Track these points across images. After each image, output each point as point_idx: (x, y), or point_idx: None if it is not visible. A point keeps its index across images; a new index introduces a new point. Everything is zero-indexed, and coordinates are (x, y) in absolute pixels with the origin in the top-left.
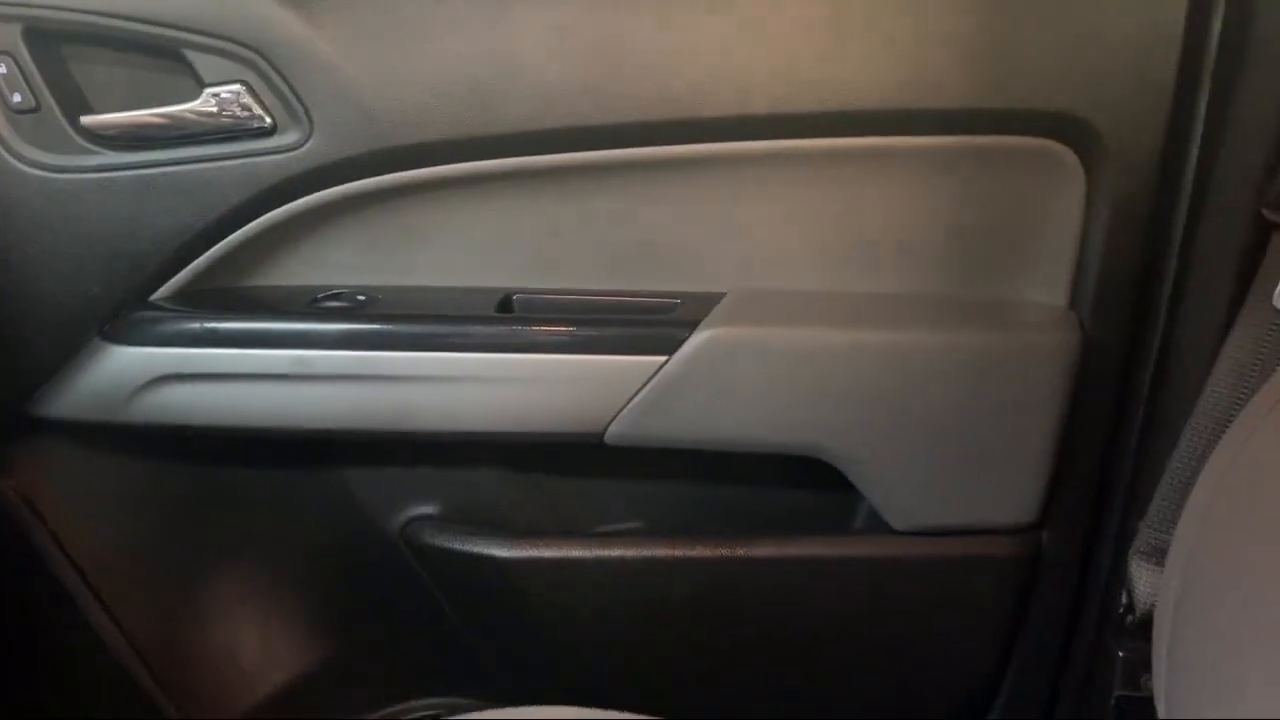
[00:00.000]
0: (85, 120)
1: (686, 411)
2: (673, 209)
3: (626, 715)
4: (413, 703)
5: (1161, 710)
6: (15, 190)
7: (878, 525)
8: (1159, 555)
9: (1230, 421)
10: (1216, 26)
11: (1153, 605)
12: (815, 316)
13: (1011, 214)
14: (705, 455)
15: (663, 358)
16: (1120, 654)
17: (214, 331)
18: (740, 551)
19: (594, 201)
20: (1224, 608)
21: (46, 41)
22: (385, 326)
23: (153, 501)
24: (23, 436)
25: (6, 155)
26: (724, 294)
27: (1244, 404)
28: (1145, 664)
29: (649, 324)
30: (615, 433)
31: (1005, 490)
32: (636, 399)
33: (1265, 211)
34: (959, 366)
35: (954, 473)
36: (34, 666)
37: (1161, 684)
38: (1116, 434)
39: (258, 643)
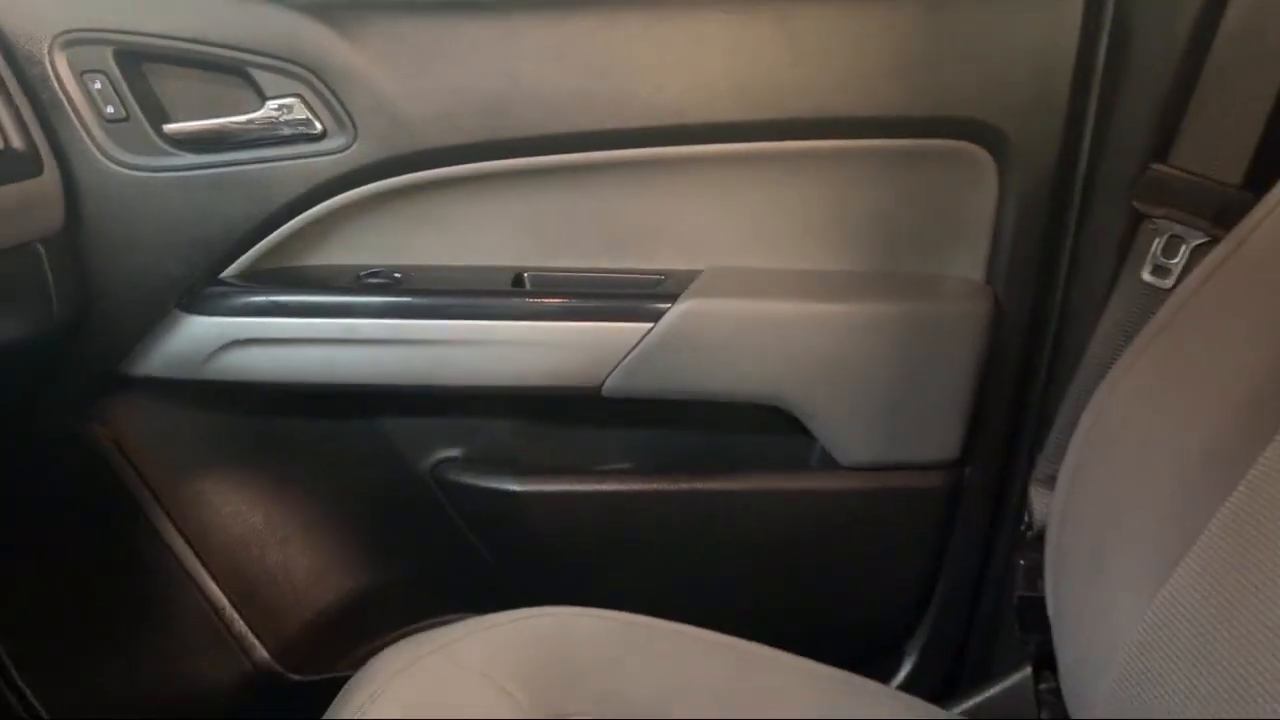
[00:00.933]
0: (167, 128)
1: (669, 369)
2: (656, 200)
3: (614, 613)
4: (439, 618)
5: (1050, 604)
6: (109, 187)
7: (828, 463)
8: (1051, 481)
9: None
10: (1102, 50)
11: (1045, 521)
12: (776, 290)
13: (936, 204)
14: (686, 405)
15: (649, 324)
16: (1021, 562)
17: (274, 303)
18: (714, 486)
19: (590, 194)
20: (1093, 514)
21: (133, 61)
22: (417, 299)
23: (222, 446)
24: (115, 392)
25: (101, 157)
26: (700, 271)
27: (1119, 356)
28: (1040, 570)
29: (637, 296)
30: (610, 387)
31: (933, 432)
32: (628, 359)
33: (1136, 203)
34: (894, 330)
35: (890, 418)
36: (123, 584)
37: (1049, 582)
38: (1024, 385)
39: (309, 566)
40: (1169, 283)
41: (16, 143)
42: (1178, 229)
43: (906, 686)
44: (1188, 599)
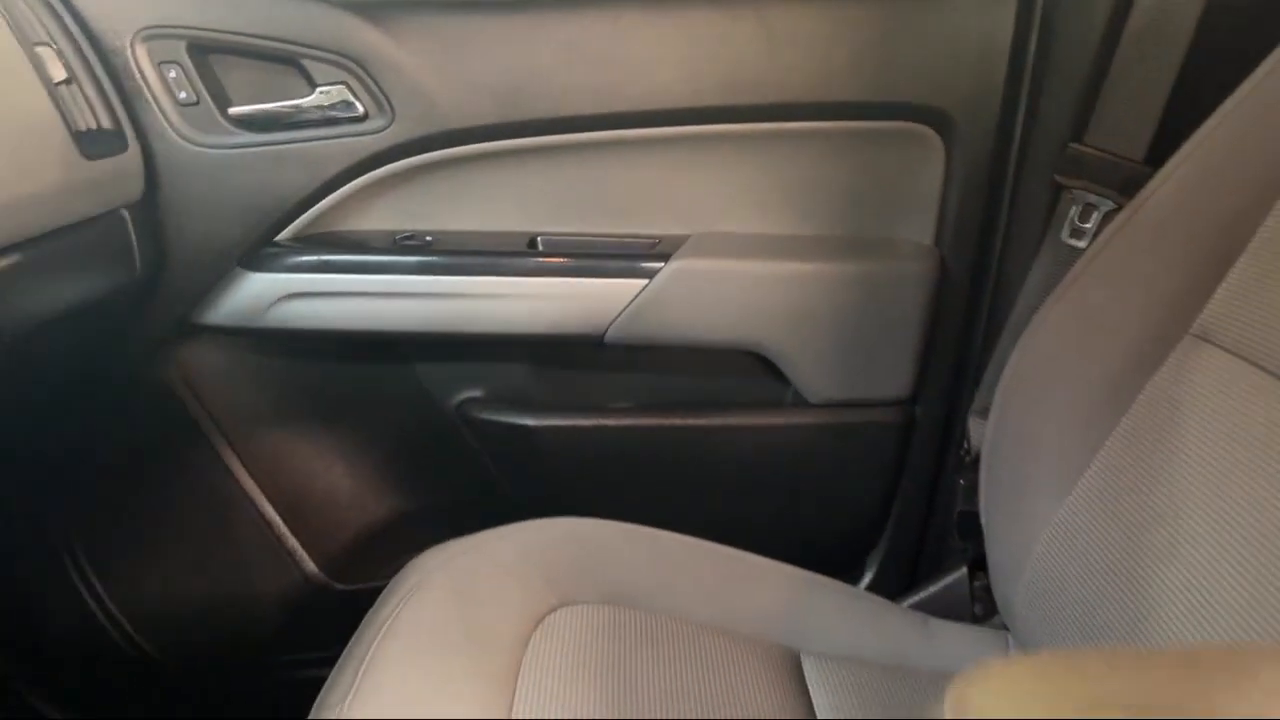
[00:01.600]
0: (231, 110)
1: (662, 320)
2: (651, 174)
3: (618, 522)
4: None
5: (982, 516)
6: (181, 161)
7: (799, 400)
8: (986, 412)
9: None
10: (1032, 46)
11: (979, 447)
12: (754, 251)
13: (892, 177)
14: (677, 351)
15: (645, 281)
16: (961, 482)
17: (323, 262)
18: (701, 421)
19: (594, 169)
20: (1015, 439)
21: (203, 53)
22: (445, 258)
23: (277, 386)
24: (184, 339)
25: (175, 136)
26: (689, 235)
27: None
28: (976, 488)
29: (635, 257)
30: (611, 335)
31: (888, 373)
32: (626, 311)
33: (1058, 176)
34: (855, 285)
35: (852, 361)
36: (190, 505)
37: (981, 497)
38: (965, 332)
39: (350, 490)
40: (1083, 243)
41: (106, 123)
42: (1091, 198)
43: (869, 590)
44: (1086, 507)
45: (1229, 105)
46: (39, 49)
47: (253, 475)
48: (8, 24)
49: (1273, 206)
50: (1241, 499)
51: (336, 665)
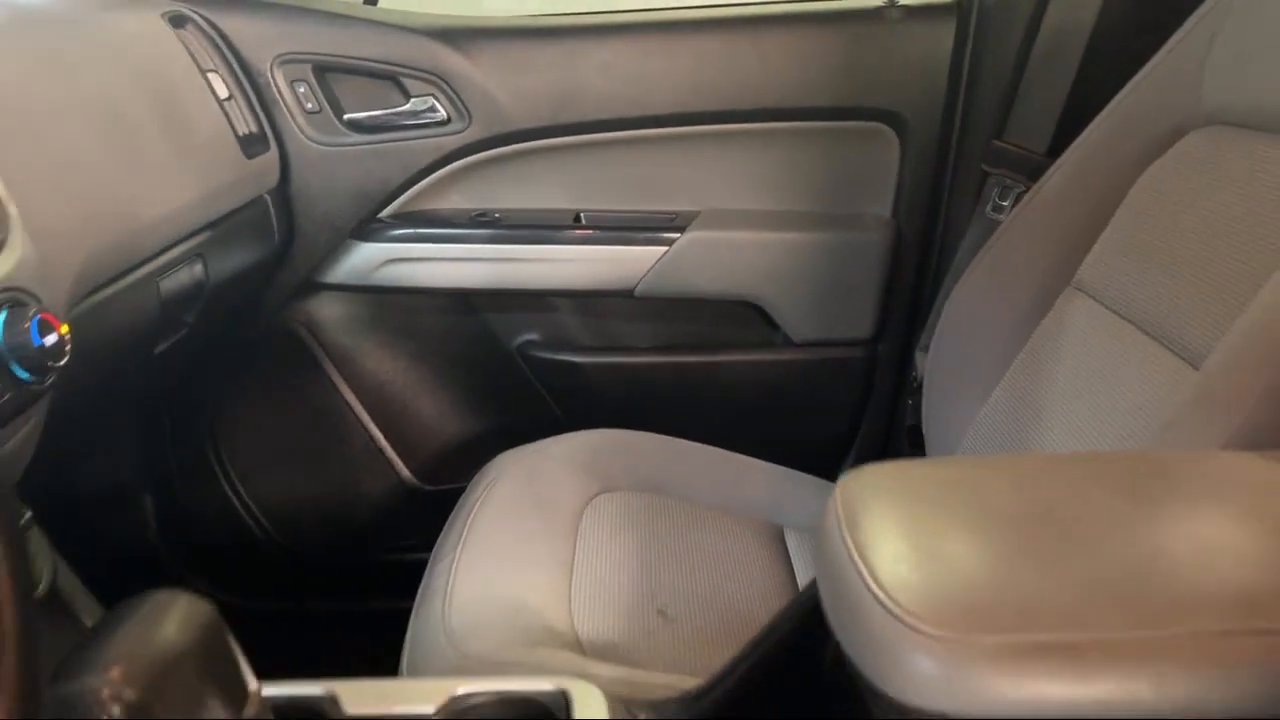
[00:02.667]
0: (345, 116)
1: (680, 277)
2: (670, 163)
3: (649, 433)
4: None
5: (924, 429)
6: (308, 157)
7: (787, 341)
8: (927, 348)
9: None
10: (966, 61)
11: (922, 374)
12: (750, 223)
13: (858, 165)
14: (691, 302)
15: (666, 247)
16: (910, 402)
17: (415, 234)
18: (711, 357)
19: (626, 159)
20: (947, 367)
21: (324, 73)
22: (510, 230)
23: (379, 331)
24: (308, 294)
25: (303, 137)
26: (700, 211)
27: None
28: (920, 407)
29: (658, 228)
30: (640, 290)
31: (857, 319)
32: (652, 270)
33: (984, 165)
34: (830, 250)
35: (827, 309)
36: (312, 424)
37: (924, 414)
38: (917, 287)
39: (436, 412)
40: (1002, 217)
41: (254, 129)
42: (1008, 182)
43: None
44: (995, 415)
45: (1106, 111)
46: (209, 74)
47: (360, 400)
48: (190, 55)
49: (1131, 187)
50: (1088, 411)
51: (441, 534)
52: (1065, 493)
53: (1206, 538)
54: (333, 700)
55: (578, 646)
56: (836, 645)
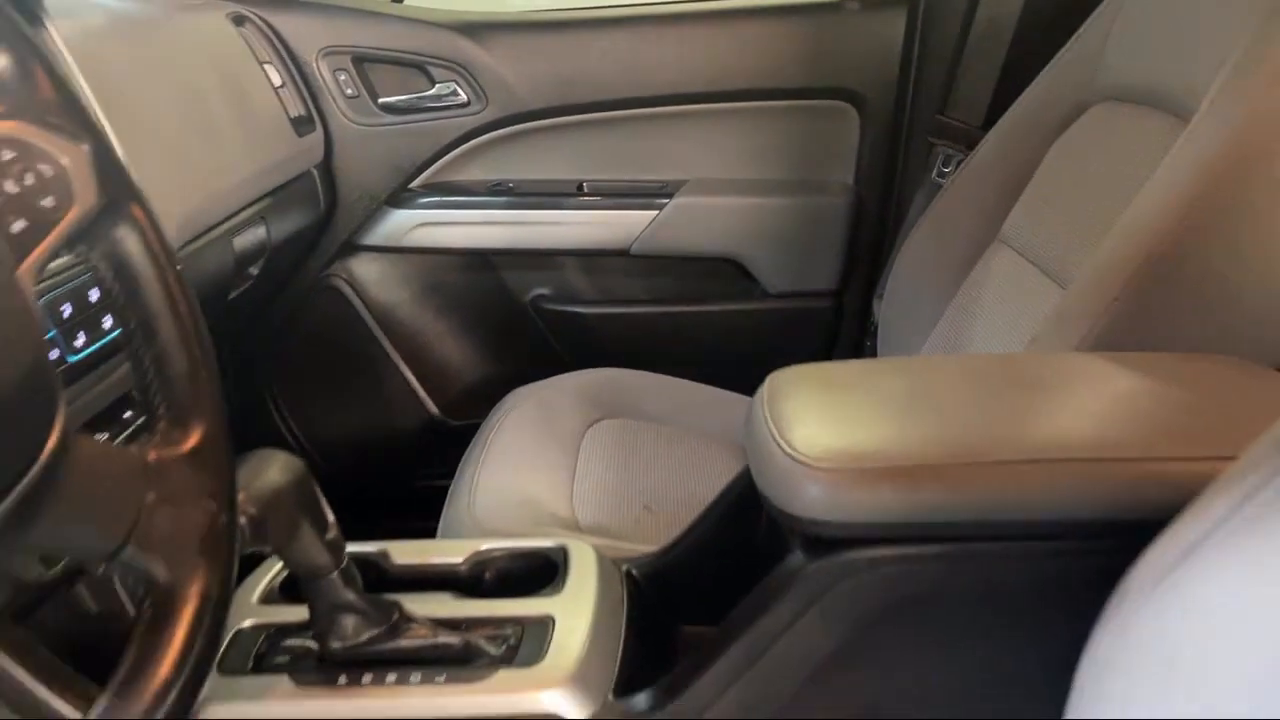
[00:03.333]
0: (380, 100)
1: (669, 237)
2: (661, 138)
3: (643, 371)
4: None
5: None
6: (348, 135)
7: (763, 293)
8: (883, 295)
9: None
10: (916, 46)
11: (878, 319)
12: (730, 189)
13: (824, 139)
14: (679, 259)
15: (656, 211)
16: (868, 343)
17: (441, 201)
18: (695, 307)
19: (623, 135)
20: (897, 309)
21: (361, 63)
22: (523, 197)
23: (410, 286)
24: (349, 254)
25: (344, 119)
26: (686, 180)
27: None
28: (876, 345)
29: (650, 195)
30: (635, 249)
31: (825, 273)
32: (644, 232)
33: (930, 138)
34: (800, 212)
35: (798, 264)
36: (353, 367)
37: (878, 353)
38: (875, 244)
39: (461, 357)
40: (944, 181)
41: (303, 112)
42: (950, 151)
43: None
44: (934, 352)
45: (1028, 90)
46: (265, 65)
47: (394, 346)
48: (250, 49)
49: (1045, 154)
50: (999, 341)
51: (466, 451)
52: (937, 381)
53: (1024, 406)
54: (384, 554)
55: (576, 528)
56: (764, 510)
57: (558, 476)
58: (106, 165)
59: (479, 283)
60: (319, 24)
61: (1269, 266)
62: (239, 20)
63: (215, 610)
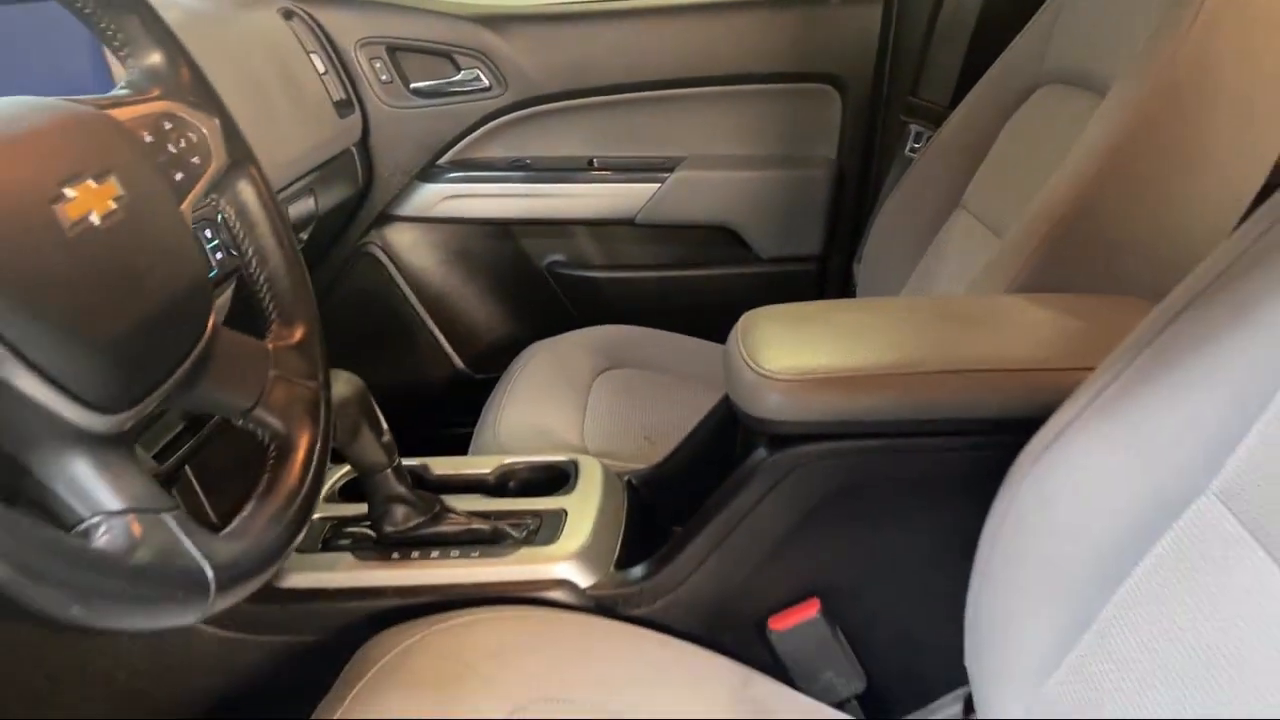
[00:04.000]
0: (411, 85)
1: (671, 207)
2: (662, 117)
3: (647, 328)
4: None
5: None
6: (383, 117)
7: (755, 258)
8: (861, 259)
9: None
10: (891, 33)
11: (857, 280)
12: (725, 164)
13: (809, 118)
14: (679, 227)
15: (659, 184)
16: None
17: (465, 176)
18: (694, 272)
19: (628, 115)
20: (875, 271)
21: (395, 51)
22: (539, 172)
23: (438, 251)
24: (384, 224)
25: (379, 102)
26: (686, 156)
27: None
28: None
29: (653, 169)
30: (640, 218)
31: (810, 239)
32: (649, 203)
33: (903, 116)
34: (788, 184)
35: (787, 232)
36: (387, 326)
37: (861, 291)
38: (856, 213)
39: (485, 316)
40: (915, 156)
41: (343, 96)
42: (920, 129)
43: None
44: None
45: (987, 73)
46: (311, 54)
47: (424, 307)
48: (298, 41)
49: (1000, 131)
50: (955, 292)
51: (490, 396)
52: (881, 316)
53: (946, 332)
54: (424, 467)
55: (585, 453)
56: (738, 426)
57: (570, 414)
58: (231, 134)
59: (500, 250)
60: (357, 17)
61: (1157, 221)
62: (288, 15)
63: (319, 454)
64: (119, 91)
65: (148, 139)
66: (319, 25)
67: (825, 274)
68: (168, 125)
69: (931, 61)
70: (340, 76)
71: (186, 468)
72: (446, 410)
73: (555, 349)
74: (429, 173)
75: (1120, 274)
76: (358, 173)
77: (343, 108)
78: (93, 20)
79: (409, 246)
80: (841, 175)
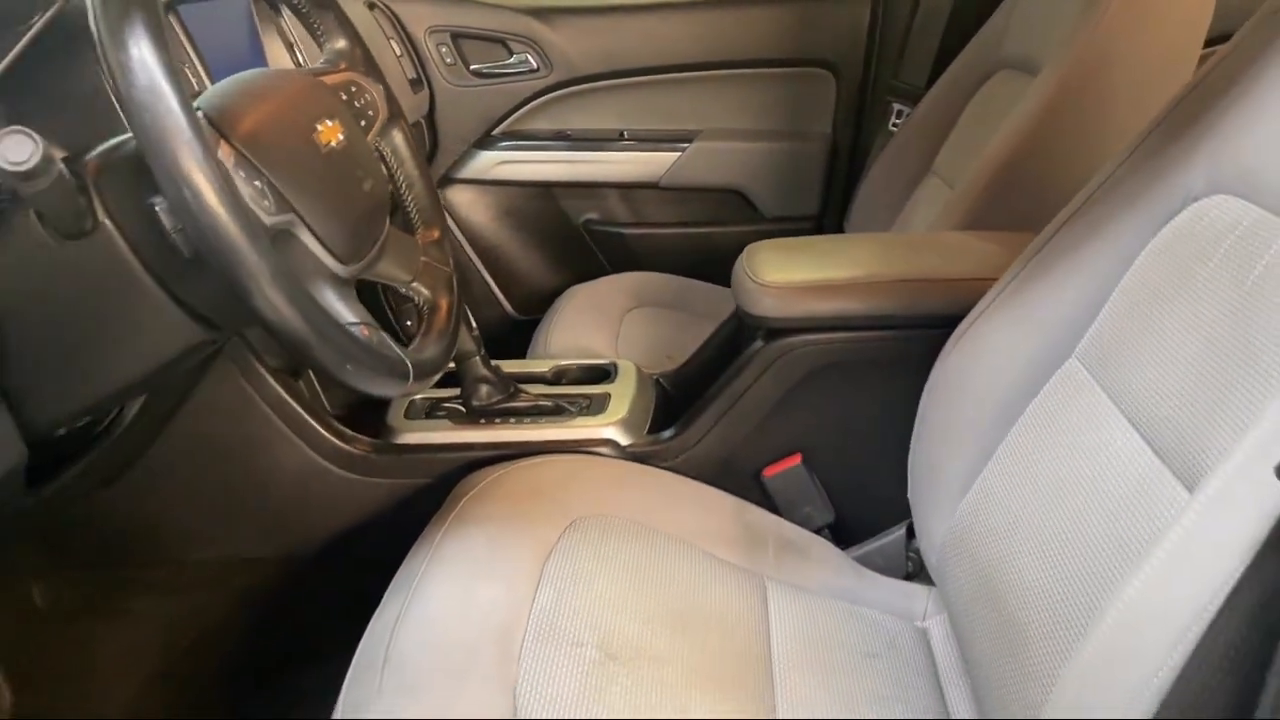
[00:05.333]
0: (471, 67)
1: (690, 172)
2: (684, 96)
3: (671, 275)
4: None
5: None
6: (447, 95)
7: (761, 217)
8: (850, 219)
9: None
10: (880, 23)
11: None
12: (735, 137)
13: (809, 99)
14: (697, 190)
15: (680, 153)
16: None
17: (516, 145)
18: (709, 229)
19: (653, 93)
20: (858, 229)
21: (458, 38)
22: (578, 142)
23: (492, 208)
24: (446, 187)
25: (444, 82)
26: (702, 129)
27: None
28: None
29: (675, 140)
30: (663, 182)
31: (808, 200)
32: (670, 169)
33: (887, 97)
34: (790, 154)
35: (789, 193)
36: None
37: None
38: (848, 179)
39: (526, 264)
40: (896, 130)
41: (415, 75)
42: (901, 107)
43: None
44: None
45: (955, 61)
46: (390, 40)
47: (478, 256)
48: (381, 29)
49: (965, 107)
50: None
51: (535, 330)
52: (856, 245)
53: (901, 255)
54: (497, 366)
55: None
56: (744, 326)
57: (605, 339)
58: (389, 96)
59: (542, 208)
60: (426, 9)
61: (1069, 173)
62: (370, 6)
63: (457, 311)
64: (319, 65)
65: (344, 97)
66: (395, 16)
67: (821, 231)
68: (353, 88)
69: (911, 49)
70: (412, 59)
71: None
72: (496, 347)
73: (590, 292)
74: (484, 142)
75: (1039, 216)
76: (425, 141)
77: (414, 85)
78: (304, 15)
79: (466, 205)
80: (835, 147)
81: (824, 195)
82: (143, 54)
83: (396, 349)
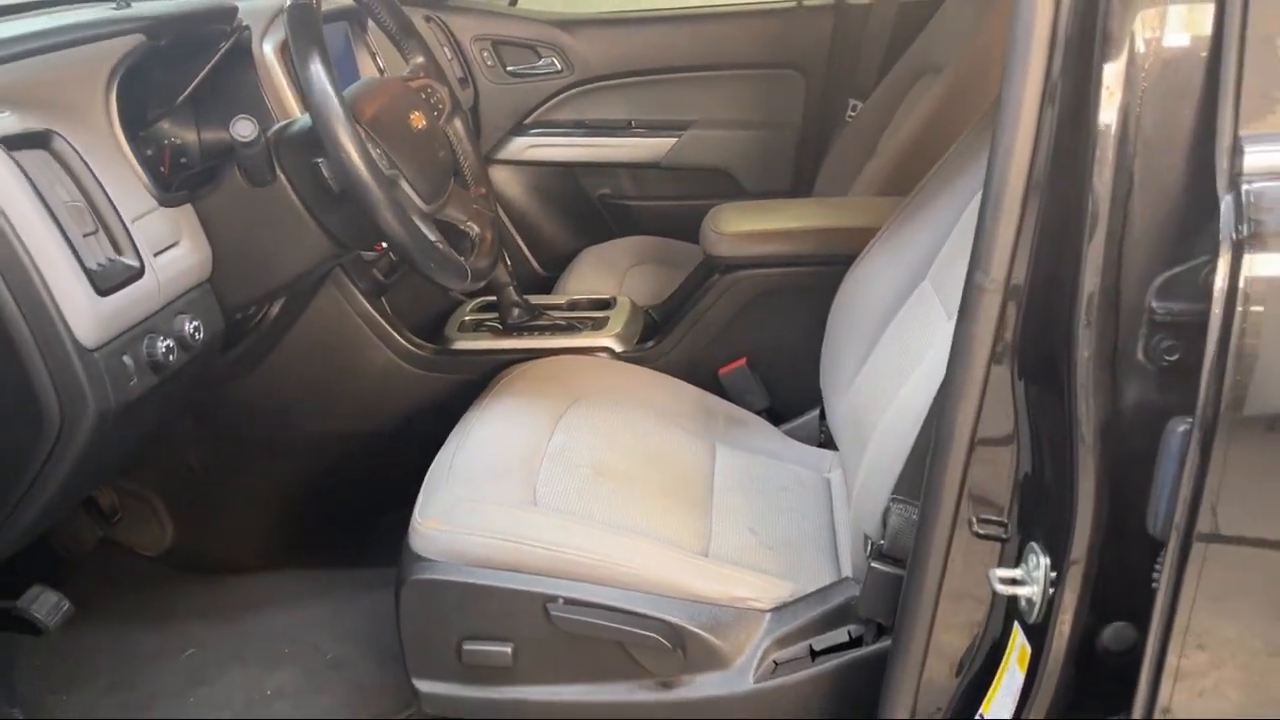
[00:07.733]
0: (508, 69)
1: (685, 155)
2: (681, 92)
3: (671, 240)
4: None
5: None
6: (489, 92)
7: (747, 192)
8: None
9: None
10: (842, 36)
11: None
12: (722, 125)
13: (783, 95)
14: (691, 169)
15: (677, 138)
16: None
17: (544, 132)
18: (702, 201)
19: (659, 89)
20: (826, 193)
21: (497, 45)
22: (594, 129)
23: (524, 180)
24: (489, 167)
25: (485, 80)
26: (695, 119)
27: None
28: None
29: (674, 128)
30: (664, 161)
31: (782, 177)
32: (670, 151)
33: (846, 95)
34: (761, 141)
35: (768, 169)
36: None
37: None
38: (814, 159)
39: (551, 231)
40: (849, 122)
41: (463, 75)
42: (855, 103)
43: None
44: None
45: (894, 67)
46: (442, 46)
47: (512, 224)
48: (435, 38)
49: (900, 104)
50: None
51: (557, 281)
52: (794, 205)
53: (829, 213)
54: (525, 297)
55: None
56: (708, 265)
57: (611, 288)
58: (453, 96)
59: (564, 185)
60: (472, 21)
61: None
62: (427, 19)
63: (496, 247)
64: (405, 74)
65: (423, 96)
66: (447, 26)
67: None
68: (429, 90)
69: (863, 57)
70: (460, 62)
71: None
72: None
73: (601, 253)
74: (517, 130)
75: None
76: (471, 129)
77: (462, 83)
78: (394, 36)
79: (502, 181)
80: (803, 135)
81: (795, 173)
82: (318, 70)
83: (459, 258)
